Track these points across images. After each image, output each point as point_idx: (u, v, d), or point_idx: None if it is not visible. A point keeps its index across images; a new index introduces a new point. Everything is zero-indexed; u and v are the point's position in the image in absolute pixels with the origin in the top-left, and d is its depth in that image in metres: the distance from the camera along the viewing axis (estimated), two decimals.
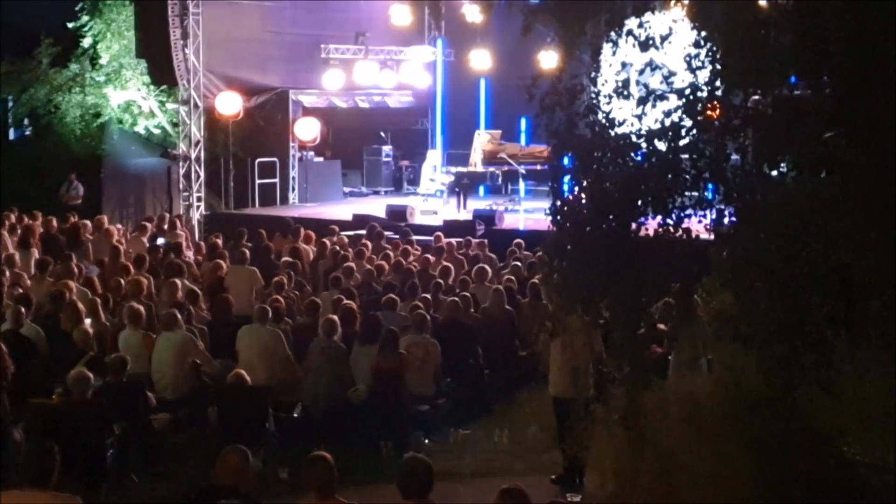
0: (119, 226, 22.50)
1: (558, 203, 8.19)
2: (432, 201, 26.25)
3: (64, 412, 10.59)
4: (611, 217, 8.02)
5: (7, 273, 15.21)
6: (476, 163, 27.15)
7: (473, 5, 25.98)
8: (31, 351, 12.27)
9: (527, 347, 14.40)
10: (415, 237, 20.50)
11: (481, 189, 28.20)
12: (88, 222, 20.20)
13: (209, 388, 12.43)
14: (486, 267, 16.75)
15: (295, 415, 12.58)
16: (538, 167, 26.24)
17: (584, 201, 8.17)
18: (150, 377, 12.52)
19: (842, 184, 7.56)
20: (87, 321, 13.15)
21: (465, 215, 24.43)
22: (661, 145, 8.03)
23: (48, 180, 26.33)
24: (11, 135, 31.07)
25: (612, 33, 8.77)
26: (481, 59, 28.63)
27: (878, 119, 7.51)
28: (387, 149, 31.13)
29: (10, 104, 29.74)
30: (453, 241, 19.41)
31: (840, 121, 7.90)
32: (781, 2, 8.52)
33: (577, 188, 8.26)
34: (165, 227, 21.10)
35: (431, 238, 19.82)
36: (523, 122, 28.39)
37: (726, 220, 7.98)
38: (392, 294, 14.92)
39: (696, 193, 8.05)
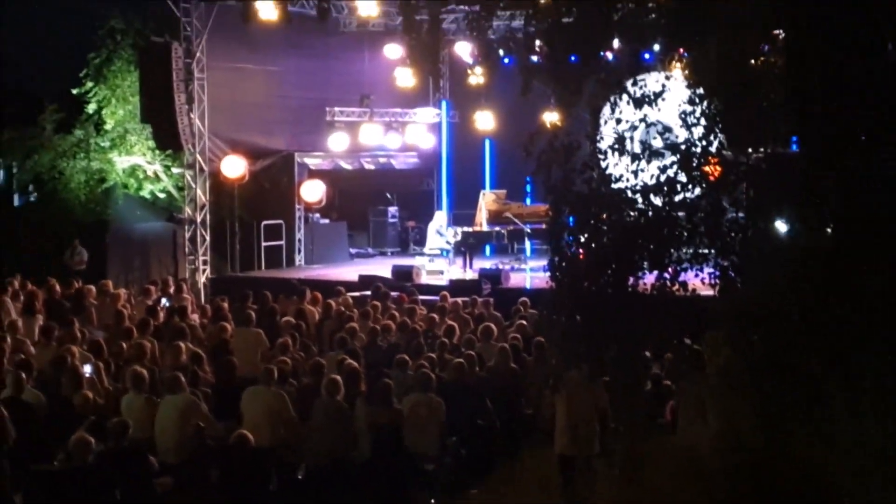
0: (124, 290, 22.48)
1: (557, 258, 8.21)
2: (438, 261, 26.24)
3: (65, 478, 10.53)
4: (608, 272, 8.03)
5: (9, 339, 15.19)
6: (481, 222, 27.16)
7: (477, 68, 26.17)
8: (32, 416, 12.21)
9: (532, 405, 14.34)
10: (421, 297, 20.48)
11: (487, 248, 28.21)
12: (93, 287, 20.20)
13: (212, 451, 12.36)
14: (492, 325, 16.69)
15: (299, 476, 12.50)
16: (544, 226, 26.20)
17: (581, 256, 8.18)
18: (153, 441, 12.45)
19: (835, 235, 7.58)
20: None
21: (471, 275, 24.41)
22: (658, 200, 8.07)
23: (53, 246, 26.41)
24: (16, 201, 31.22)
25: (609, 92, 8.85)
26: (485, 120, 28.83)
27: (870, 172, 7.55)
28: (393, 210, 31.23)
29: (15, 170, 29.89)
30: (459, 300, 19.37)
31: (832, 175, 7.94)
32: (773, 60, 8.61)
33: (574, 243, 8.28)
34: (171, 290, 21.09)
35: (437, 297, 19.81)
36: (528, 181, 28.44)
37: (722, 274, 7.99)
38: (397, 353, 14.86)
39: (692, 249, 8.07)
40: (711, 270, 7.97)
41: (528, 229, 26.57)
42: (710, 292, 8.34)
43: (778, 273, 7.47)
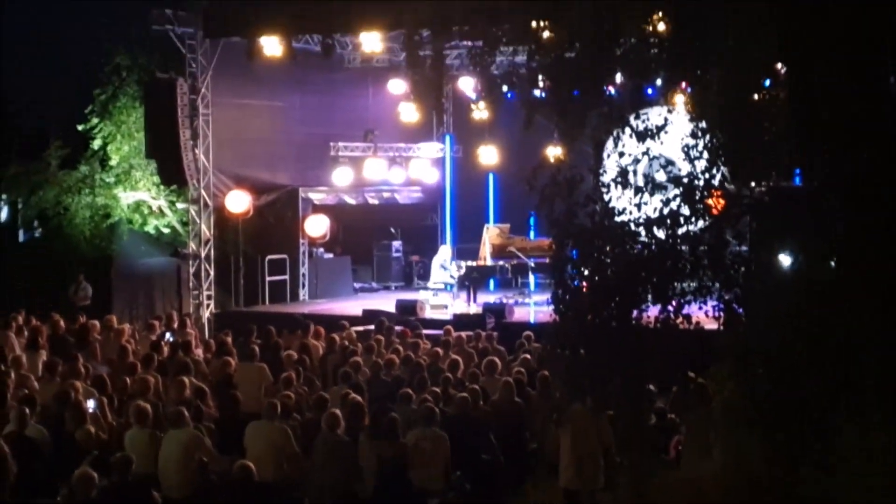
0: (128, 325, 22.47)
1: (560, 291, 8.22)
2: (442, 296, 26.22)
3: None
4: (612, 304, 8.03)
5: (13, 374, 15.17)
6: (485, 257, 27.18)
7: (480, 103, 26.25)
8: (36, 452, 12.17)
9: (537, 439, 14.30)
10: (425, 331, 20.46)
11: (491, 283, 28.20)
12: (97, 322, 20.19)
13: (216, 486, 12.31)
14: (496, 359, 16.66)
15: None
16: (547, 260, 26.19)
17: (585, 289, 8.18)
18: (157, 476, 12.41)
19: (838, 269, 7.58)
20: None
21: (476, 309, 24.41)
22: (661, 233, 8.08)
23: (58, 281, 26.41)
24: (21, 236, 31.26)
25: (612, 126, 8.87)
26: (489, 155, 28.92)
27: (873, 204, 7.55)
28: (397, 244, 31.28)
29: (20, 206, 29.95)
30: (463, 334, 19.36)
31: (836, 207, 7.95)
32: (775, 93, 8.63)
33: (578, 276, 8.28)
34: (175, 325, 21.09)
35: (441, 332, 19.79)
36: (531, 215, 28.46)
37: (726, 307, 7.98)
38: (401, 387, 14.84)
39: (695, 282, 8.07)
40: (715, 303, 7.97)
41: (531, 263, 26.60)
42: (715, 326, 8.33)
43: (782, 305, 7.47)
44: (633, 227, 8.09)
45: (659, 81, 9.87)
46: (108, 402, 14.12)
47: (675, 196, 8.05)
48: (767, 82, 9.06)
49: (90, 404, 13.61)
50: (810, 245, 7.93)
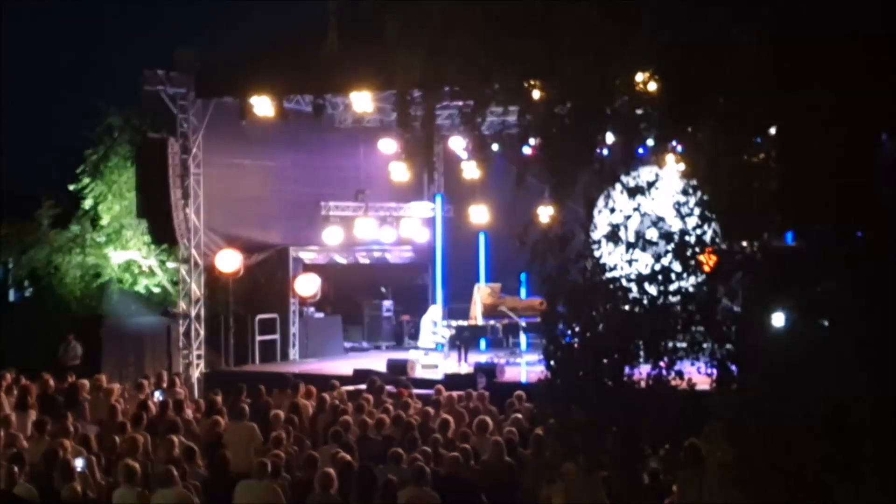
0: (118, 385, 22.34)
1: (552, 347, 8.20)
2: (433, 355, 26.18)
3: None
4: (604, 361, 8.02)
5: (2, 433, 15.09)
6: (476, 316, 27.13)
7: (471, 162, 26.36)
8: None
9: (528, 500, 14.18)
10: (415, 391, 20.38)
11: (482, 342, 28.14)
12: (87, 382, 20.11)
13: None
14: (487, 419, 16.58)
15: None
16: (539, 320, 26.13)
17: (576, 345, 8.17)
18: None
19: (832, 327, 7.56)
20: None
21: (467, 369, 24.35)
22: (652, 289, 8.08)
23: (48, 341, 26.30)
24: (11, 296, 31.19)
25: (604, 184, 8.90)
26: (480, 214, 28.98)
27: (866, 262, 7.56)
28: (387, 303, 31.23)
29: (11, 265, 29.91)
30: (454, 393, 19.30)
31: (829, 266, 7.95)
32: (766, 153, 8.68)
33: (570, 332, 8.28)
34: (164, 384, 21.01)
35: (432, 391, 19.72)
36: (523, 275, 28.48)
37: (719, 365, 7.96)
38: (392, 447, 14.76)
39: (687, 336, 8.06)
40: (708, 360, 7.95)
41: (523, 323, 26.57)
42: (707, 386, 8.32)
43: (774, 362, 7.45)
44: (624, 282, 8.11)
45: (650, 141, 9.93)
46: (97, 461, 14.03)
47: (667, 252, 8.08)
48: (759, 140, 9.11)
49: (79, 463, 13.52)
50: (803, 303, 7.92)
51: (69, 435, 15.08)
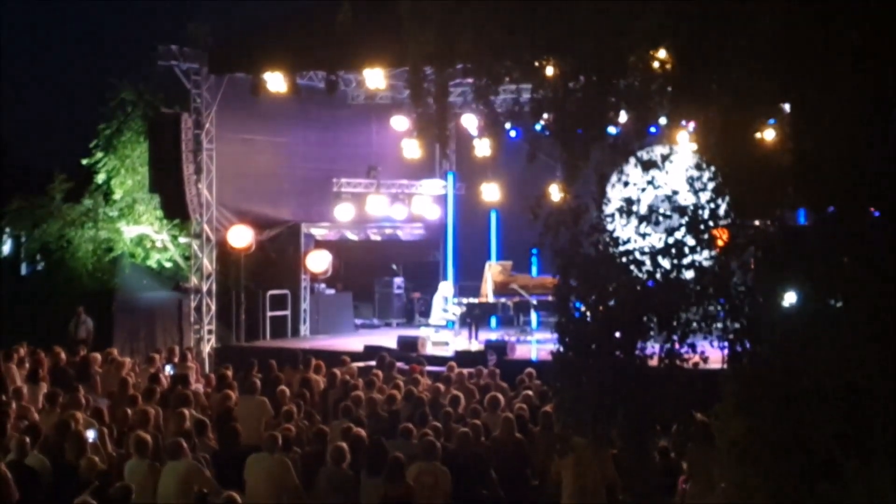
0: (129, 358, 22.41)
1: (564, 321, 8.19)
2: (444, 333, 26.18)
3: None
4: (616, 334, 8.00)
5: (14, 405, 15.14)
6: (487, 294, 27.13)
7: (483, 140, 26.30)
8: (36, 481, 12.16)
9: (538, 476, 14.20)
10: (427, 368, 20.40)
11: (493, 320, 28.13)
12: (98, 355, 20.17)
13: None
14: (498, 395, 16.58)
15: None
16: (550, 298, 26.16)
17: (589, 319, 8.16)
18: None
19: (845, 302, 7.54)
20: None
21: (477, 346, 24.35)
22: (665, 263, 8.06)
23: (60, 314, 26.38)
24: (24, 270, 31.27)
25: (617, 159, 8.88)
26: (492, 192, 28.91)
27: (878, 237, 7.53)
28: (398, 281, 31.22)
29: (23, 239, 29.98)
30: (464, 370, 19.30)
31: (842, 242, 7.93)
32: (779, 129, 8.64)
33: (582, 306, 8.27)
34: (176, 359, 21.06)
35: (444, 368, 19.73)
36: (534, 252, 28.46)
37: (731, 337, 7.94)
38: (401, 422, 14.78)
39: (700, 310, 8.04)
40: (720, 335, 7.93)
41: (534, 301, 26.59)
42: (719, 364, 8.30)
43: (787, 336, 7.43)
44: (638, 255, 8.09)
45: (662, 119, 9.90)
46: (108, 433, 14.08)
47: (680, 226, 8.07)
48: (771, 119, 9.08)
49: (90, 434, 13.56)
50: (816, 278, 7.90)
51: (81, 407, 15.12)
